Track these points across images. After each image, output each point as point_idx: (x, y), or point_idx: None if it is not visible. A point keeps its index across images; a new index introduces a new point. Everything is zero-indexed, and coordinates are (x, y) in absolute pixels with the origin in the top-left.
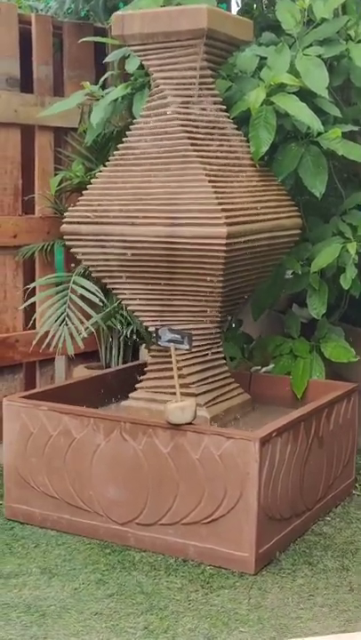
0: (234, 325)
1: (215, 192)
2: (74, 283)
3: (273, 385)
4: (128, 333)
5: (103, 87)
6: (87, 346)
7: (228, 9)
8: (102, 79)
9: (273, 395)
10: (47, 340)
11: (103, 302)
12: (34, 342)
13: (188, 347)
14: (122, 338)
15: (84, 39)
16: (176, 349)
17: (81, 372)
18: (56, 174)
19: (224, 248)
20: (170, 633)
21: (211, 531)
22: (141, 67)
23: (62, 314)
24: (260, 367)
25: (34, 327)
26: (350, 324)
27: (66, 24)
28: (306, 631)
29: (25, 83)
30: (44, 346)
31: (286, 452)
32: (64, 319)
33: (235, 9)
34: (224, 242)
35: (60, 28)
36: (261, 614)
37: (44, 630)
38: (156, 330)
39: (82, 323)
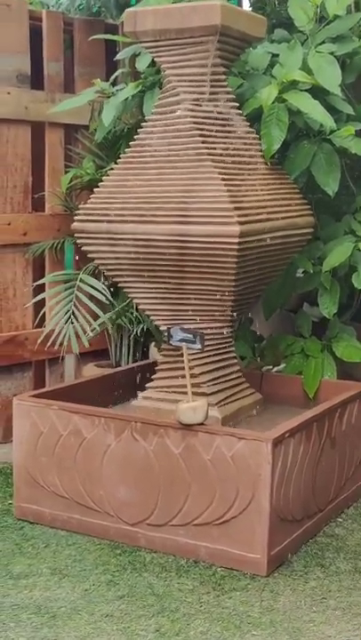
0: (244, 324)
1: (228, 190)
2: (81, 281)
3: (284, 384)
4: (138, 332)
5: (114, 84)
6: (97, 344)
7: (240, 5)
8: (113, 76)
9: (285, 394)
10: (52, 339)
11: (110, 301)
12: (39, 340)
13: (200, 346)
14: (132, 336)
15: (95, 37)
16: (188, 349)
17: (91, 370)
18: (66, 172)
19: (236, 247)
20: (181, 636)
21: (222, 532)
22: (152, 64)
23: (68, 312)
24: (271, 367)
25: (42, 325)
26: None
27: (77, 20)
28: (319, 635)
29: (36, 79)
30: (49, 344)
31: (299, 453)
32: (70, 317)
33: (246, 5)
34: (237, 240)
35: (70, 25)
36: (274, 617)
37: (55, 632)
38: (168, 329)
39: (88, 322)
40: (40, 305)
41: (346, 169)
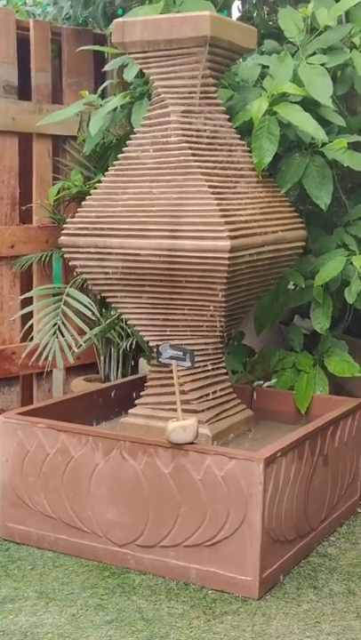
0: (235, 338)
1: (218, 204)
2: (67, 295)
3: (275, 400)
4: (127, 346)
5: (103, 95)
6: (86, 358)
7: (229, 16)
8: (101, 87)
9: (276, 410)
10: (37, 353)
11: (97, 317)
12: (22, 355)
13: (190, 364)
14: (121, 350)
15: (82, 48)
16: (178, 366)
17: (79, 384)
18: (54, 183)
19: (227, 262)
20: None
21: (213, 554)
22: (140, 75)
23: (54, 326)
24: (262, 381)
25: (29, 339)
26: (354, 336)
27: (65, 30)
28: None
29: (23, 90)
30: (33, 359)
31: (291, 472)
32: (55, 332)
33: (235, 15)
34: (227, 255)
35: (58, 35)
36: None
37: None
38: (157, 346)
39: (73, 337)
40: (27, 319)
41: (337, 180)
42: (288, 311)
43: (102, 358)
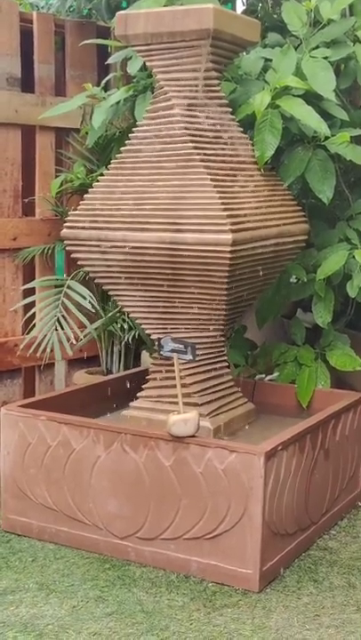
0: (238, 331)
1: (220, 197)
2: (68, 287)
3: (277, 393)
4: (130, 339)
5: (106, 88)
6: (88, 350)
7: (234, 9)
8: (104, 80)
9: (277, 403)
10: (34, 345)
11: (96, 310)
12: (21, 346)
13: (191, 357)
14: (123, 343)
15: (85, 42)
16: (179, 359)
17: (81, 376)
18: (57, 176)
19: (229, 255)
20: None
21: (213, 546)
22: (143, 68)
23: (53, 319)
24: (264, 375)
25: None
26: (356, 330)
27: (68, 22)
28: None
29: (27, 82)
30: (31, 351)
31: (292, 466)
32: (54, 325)
33: (240, 8)
34: (229, 249)
35: (62, 27)
36: (266, 635)
37: None
38: (159, 339)
39: (73, 330)
40: (29, 311)
41: (340, 174)
42: (291, 305)
43: (104, 351)
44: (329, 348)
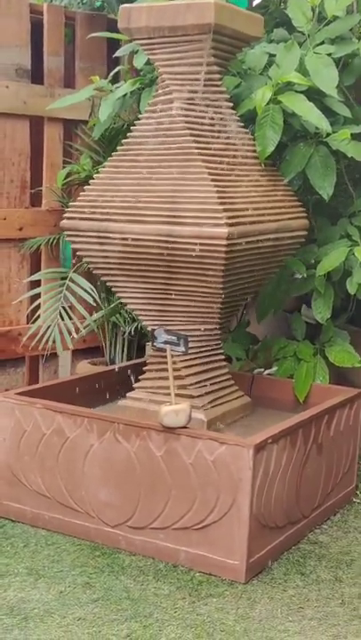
0: (241, 325)
1: (217, 191)
2: (70, 280)
3: (275, 388)
4: (132, 330)
5: (115, 80)
6: (92, 341)
7: (250, 4)
8: (112, 73)
9: (275, 398)
10: (38, 336)
11: (97, 303)
12: (24, 338)
13: (183, 349)
14: (126, 335)
15: (93, 35)
16: (172, 351)
17: (84, 367)
18: (65, 167)
19: (224, 249)
20: None
21: (202, 537)
22: (149, 62)
23: (55, 311)
24: (262, 369)
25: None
26: (358, 326)
27: (79, 15)
28: None
29: (37, 74)
30: (34, 342)
31: (283, 459)
32: (56, 316)
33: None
34: (224, 242)
35: (72, 19)
36: (248, 625)
37: (25, 635)
38: (152, 331)
39: (74, 322)
40: (33, 301)
41: (345, 171)
42: (295, 300)
43: (108, 342)
44: (328, 344)
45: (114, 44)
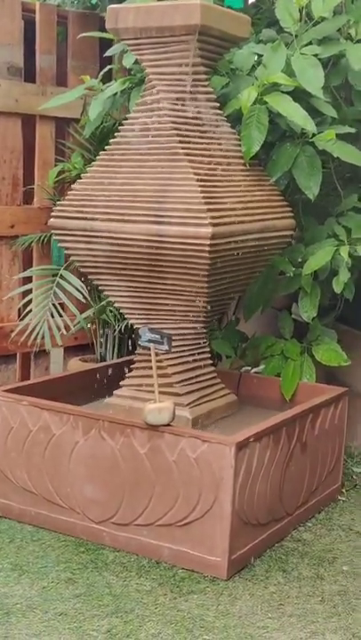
0: (231, 323)
1: (202, 191)
2: (60, 277)
3: (262, 386)
4: (122, 328)
5: (105, 80)
6: (83, 338)
7: (245, 4)
8: (103, 72)
9: (262, 396)
10: (27, 333)
11: (87, 300)
12: (13, 334)
13: (167, 347)
14: (117, 332)
15: (84, 34)
16: (155, 349)
17: (74, 364)
18: (56, 165)
19: (208, 249)
20: (132, 637)
21: (185, 534)
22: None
23: (44, 308)
24: (250, 367)
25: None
26: (348, 325)
27: (71, 13)
28: None
29: (29, 72)
30: (22, 338)
31: (265, 458)
32: (44, 313)
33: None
34: (208, 242)
35: (65, 18)
36: (228, 622)
37: (6, 629)
38: (137, 329)
39: (63, 319)
40: (25, 298)
41: (334, 171)
42: (285, 298)
43: (99, 339)
44: (316, 342)
45: (106, 43)
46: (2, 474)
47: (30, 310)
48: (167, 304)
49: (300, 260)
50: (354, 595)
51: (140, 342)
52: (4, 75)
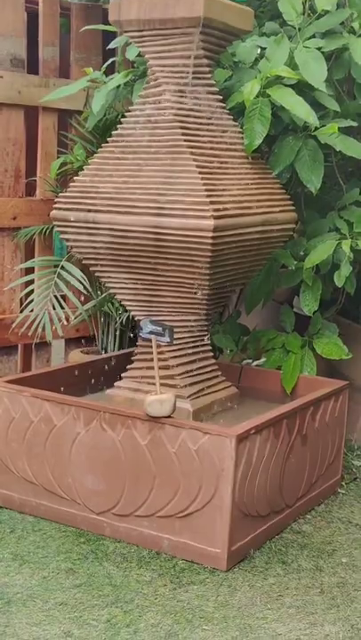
0: (233, 316)
1: (204, 184)
2: (62, 268)
3: (263, 379)
4: (124, 320)
5: (110, 72)
6: (86, 330)
7: None
8: (106, 64)
9: (263, 389)
10: (27, 324)
11: (88, 291)
12: (13, 325)
13: (168, 339)
14: (118, 324)
15: (87, 27)
16: (157, 341)
17: (76, 356)
18: (59, 157)
19: (210, 241)
20: (132, 627)
21: (185, 525)
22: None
23: (45, 299)
24: (251, 360)
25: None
26: (350, 319)
27: (74, 5)
28: (270, 632)
29: (32, 64)
30: (23, 329)
31: (266, 450)
32: (46, 304)
33: None
34: (210, 234)
35: (68, 9)
36: (227, 613)
37: (7, 618)
38: (138, 321)
39: (64, 311)
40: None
41: (336, 164)
42: (287, 291)
43: (100, 331)
44: (317, 336)
45: (110, 35)
46: (3, 464)
47: (32, 301)
48: (169, 296)
49: (301, 253)
50: (353, 586)
51: (141, 334)
52: (7, 66)
